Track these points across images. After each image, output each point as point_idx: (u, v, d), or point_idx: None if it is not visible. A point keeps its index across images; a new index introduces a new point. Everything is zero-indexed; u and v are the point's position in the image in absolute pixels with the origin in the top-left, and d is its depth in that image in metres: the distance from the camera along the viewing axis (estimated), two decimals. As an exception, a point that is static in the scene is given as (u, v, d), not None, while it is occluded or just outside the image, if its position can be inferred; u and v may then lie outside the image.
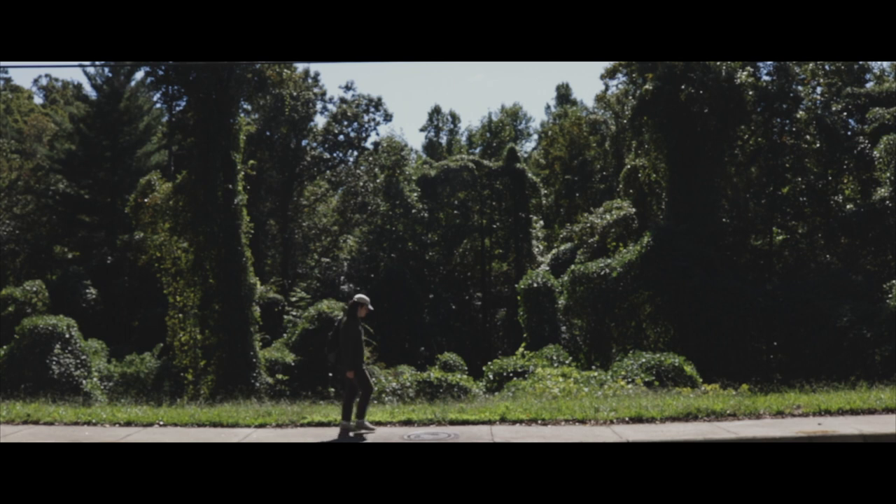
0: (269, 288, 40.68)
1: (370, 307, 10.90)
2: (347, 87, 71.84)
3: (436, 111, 68.55)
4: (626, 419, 11.22)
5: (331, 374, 11.29)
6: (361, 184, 50.99)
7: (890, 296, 22.65)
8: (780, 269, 30.40)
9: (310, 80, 52.18)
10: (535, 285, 27.64)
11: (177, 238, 25.45)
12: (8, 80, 60.66)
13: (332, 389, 25.27)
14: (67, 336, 23.20)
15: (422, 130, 69.92)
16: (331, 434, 10.73)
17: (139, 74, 45.30)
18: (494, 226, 48.62)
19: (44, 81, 63.60)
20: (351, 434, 10.51)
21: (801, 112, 29.77)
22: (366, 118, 54.12)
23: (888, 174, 26.39)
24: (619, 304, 25.63)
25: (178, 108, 41.95)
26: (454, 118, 69.34)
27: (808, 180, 30.28)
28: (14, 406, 13.00)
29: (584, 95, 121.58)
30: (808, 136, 29.86)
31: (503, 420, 11.39)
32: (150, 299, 34.79)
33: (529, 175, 47.15)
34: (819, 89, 32.78)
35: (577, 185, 51.91)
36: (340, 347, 10.70)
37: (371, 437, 10.38)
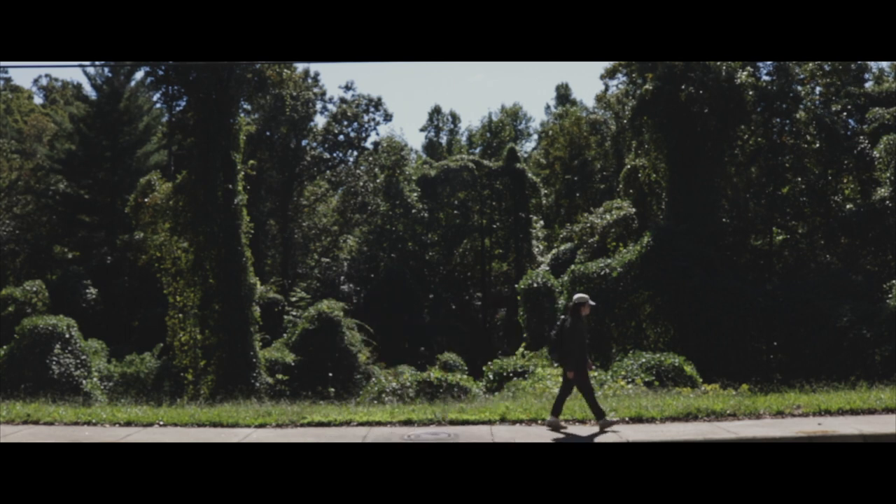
0: (269, 288, 40.67)
1: (591, 303, 10.94)
2: (347, 87, 71.91)
3: (436, 111, 68.61)
4: (626, 419, 11.22)
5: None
6: (361, 184, 50.99)
7: (890, 296, 22.64)
8: (780, 269, 30.38)
9: (310, 80, 52.17)
10: (535, 285, 27.64)
11: (177, 238, 25.45)
12: (8, 80, 60.72)
13: (332, 389, 25.28)
14: (67, 336, 23.20)
15: (422, 130, 70.02)
16: (331, 434, 10.71)
17: (139, 74, 45.35)
18: (494, 226, 48.63)
19: (44, 81, 63.67)
20: (558, 433, 10.45)
21: (800, 112, 29.75)
22: (366, 118, 54.12)
23: (888, 174, 26.38)
24: (619, 304, 25.61)
25: (178, 108, 41.93)
26: (454, 118, 69.39)
27: (808, 180, 30.27)
28: (14, 406, 12.99)
29: (584, 95, 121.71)
30: (808, 136, 29.84)
31: (503, 420, 11.39)
32: (150, 299, 34.78)
33: (529, 175, 47.15)
34: (819, 89, 32.78)
35: (577, 185, 51.92)
36: (564, 347, 10.73)
37: (371, 437, 10.38)
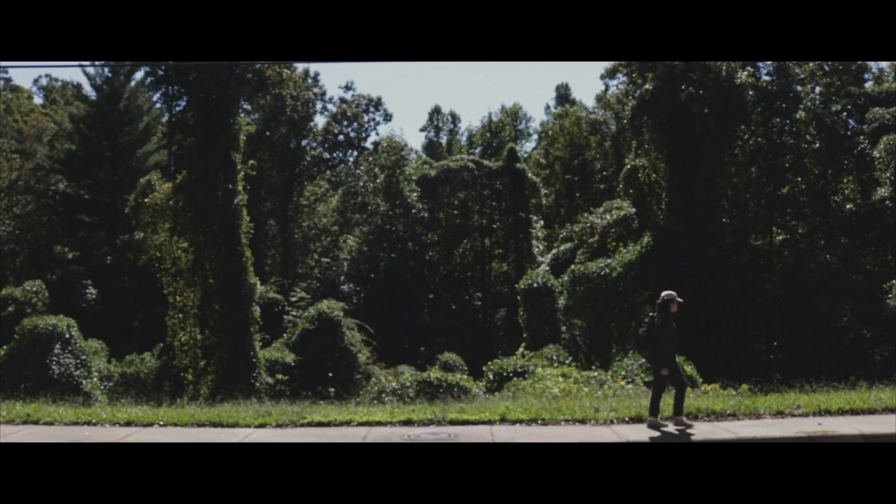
0: (269, 288, 40.66)
1: (679, 300, 10.94)
2: (347, 87, 71.83)
3: (436, 111, 68.57)
4: (626, 419, 11.22)
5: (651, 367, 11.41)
6: (361, 184, 50.99)
7: (890, 296, 22.64)
8: (780, 269, 30.38)
9: (310, 80, 52.15)
10: (535, 285, 27.65)
11: (177, 238, 25.44)
12: (8, 80, 60.70)
13: (332, 389, 25.27)
14: (67, 336, 23.20)
15: (422, 130, 69.99)
16: (331, 434, 10.70)
17: (139, 74, 45.32)
18: (494, 226, 48.62)
19: (44, 81, 63.62)
20: (658, 431, 10.44)
21: (800, 112, 29.75)
22: (366, 118, 54.10)
23: (888, 174, 26.38)
24: (619, 304, 25.62)
25: (178, 108, 41.92)
26: (454, 118, 69.36)
27: (808, 180, 30.26)
28: (14, 406, 12.99)
29: (584, 95, 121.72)
30: (808, 136, 29.84)
31: (503, 420, 11.39)
32: (150, 299, 34.77)
33: (529, 175, 47.14)
34: (819, 89, 32.77)
35: (577, 185, 51.92)
36: (655, 345, 10.73)
37: (371, 437, 10.37)
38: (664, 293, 11.00)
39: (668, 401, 11.38)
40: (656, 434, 10.28)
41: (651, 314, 11.05)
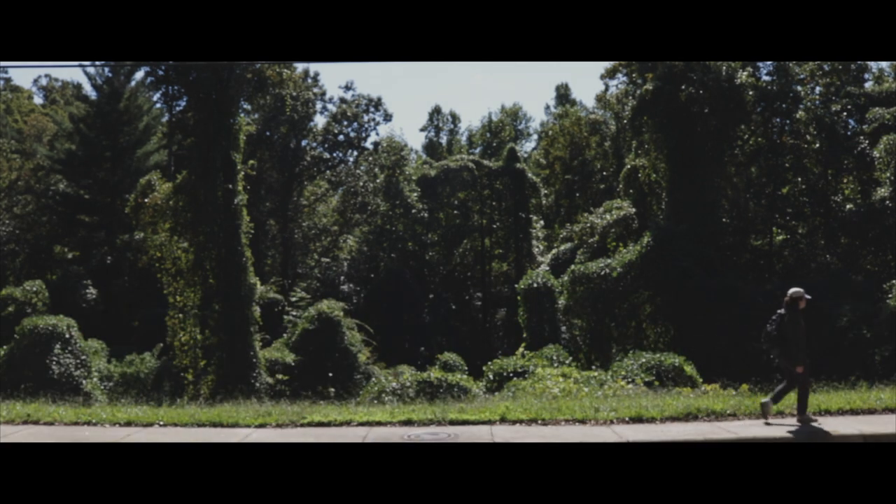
0: (269, 288, 40.65)
1: (807, 296, 10.91)
2: (347, 87, 71.80)
3: (436, 111, 68.53)
4: (626, 419, 11.21)
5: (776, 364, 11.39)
6: (361, 184, 50.99)
7: (890, 296, 22.65)
8: (780, 269, 30.37)
9: (310, 80, 52.14)
10: (535, 285, 27.64)
11: (177, 238, 25.44)
12: (8, 80, 60.66)
13: (332, 389, 25.27)
14: (67, 336, 23.19)
15: (422, 130, 69.95)
16: (331, 434, 10.69)
17: (139, 74, 45.31)
18: (494, 226, 48.61)
19: (44, 81, 63.58)
20: (809, 427, 10.41)
21: (800, 112, 29.76)
22: (366, 118, 54.09)
23: (888, 174, 26.38)
24: (619, 304, 25.61)
25: (178, 108, 41.98)
26: (454, 118, 69.34)
27: (808, 180, 30.27)
28: (14, 406, 12.99)
29: (584, 95, 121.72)
30: (808, 136, 29.85)
31: (503, 420, 11.38)
32: (150, 299, 34.76)
33: (529, 175, 47.13)
34: (819, 89, 32.76)
35: (577, 185, 51.94)
36: (786, 343, 10.67)
37: (371, 437, 10.37)
38: (792, 290, 10.90)
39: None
40: (807, 430, 10.23)
41: (779, 311, 10.95)
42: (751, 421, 11.02)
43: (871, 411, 11.32)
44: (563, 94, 68.42)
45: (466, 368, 28.84)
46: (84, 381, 22.62)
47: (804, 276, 28.02)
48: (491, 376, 20.08)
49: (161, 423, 11.64)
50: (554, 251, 39.37)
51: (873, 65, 37.39)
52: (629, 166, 34.94)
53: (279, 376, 26.49)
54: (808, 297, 10.88)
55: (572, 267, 27.42)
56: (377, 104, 54.52)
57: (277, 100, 47.54)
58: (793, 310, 10.74)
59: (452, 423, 11.32)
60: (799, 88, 30.80)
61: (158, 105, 47.65)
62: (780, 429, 10.37)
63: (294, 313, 39.30)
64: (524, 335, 27.37)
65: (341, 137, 53.80)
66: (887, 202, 26.66)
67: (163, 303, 27.12)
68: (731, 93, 28.42)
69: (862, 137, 29.27)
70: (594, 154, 52.10)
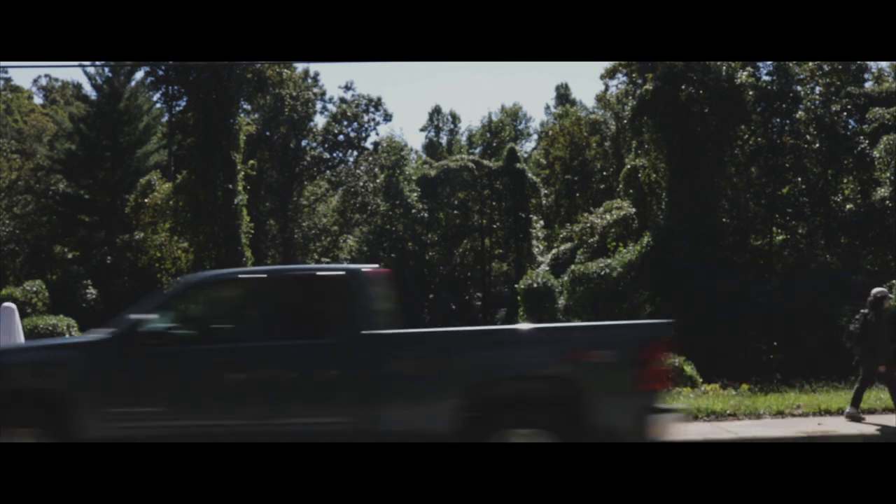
0: (269, 288, 40.61)
1: (891, 296, 10.97)
2: (347, 87, 71.93)
3: (436, 111, 68.49)
4: (626, 419, 11.18)
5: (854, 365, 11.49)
6: (361, 184, 50.99)
7: (890, 296, 22.64)
8: (780, 269, 30.37)
9: (310, 80, 52.19)
10: (535, 285, 27.64)
11: (177, 238, 25.47)
12: (8, 80, 60.66)
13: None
14: (67, 336, 23.20)
15: (422, 130, 69.94)
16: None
17: (139, 74, 45.31)
18: (494, 226, 48.58)
19: (44, 81, 63.57)
20: (856, 423, 10.58)
21: (800, 112, 29.74)
22: (366, 118, 54.13)
23: (888, 174, 26.38)
24: (620, 304, 25.61)
25: (178, 108, 42.01)
26: (454, 118, 69.33)
27: (808, 180, 30.25)
28: (14, 406, 12.96)
29: (584, 95, 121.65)
30: (808, 136, 29.83)
31: (503, 420, 11.34)
32: (151, 299, 34.74)
33: (529, 175, 47.11)
34: (819, 89, 32.75)
35: (577, 185, 51.92)
36: (869, 342, 10.75)
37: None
38: (876, 290, 11.01)
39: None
40: (853, 426, 10.33)
41: (863, 311, 10.99)
42: (751, 421, 11.02)
43: (871, 411, 11.33)
44: (563, 95, 68.40)
45: (466, 368, 28.78)
46: (84, 381, 22.59)
47: (804, 276, 28.03)
48: (491, 376, 20.04)
49: (161, 423, 11.61)
50: (554, 251, 39.36)
51: (873, 65, 37.42)
52: (629, 166, 34.94)
53: (279, 376, 26.44)
54: (891, 296, 10.96)
55: (572, 267, 27.42)
56: (377, 104, 54.58)
57: (277, 100, 47.57)
58: (877, 309, 10.79)
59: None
60: (799, 88, 30.78)
61: (158, 105, 47.68)
62: (870, 427, 10.50)
63: (294, 313, 39.24)
64: (524, 335, 27.32)
65: (341, 137, 53.84)
66: (887, 202, 26.65)
67: (163, 303, 27.08)
68: (731, 93, 28.40)
69: (862, 137, 29.26)
70: (594, 154, 52.09)
